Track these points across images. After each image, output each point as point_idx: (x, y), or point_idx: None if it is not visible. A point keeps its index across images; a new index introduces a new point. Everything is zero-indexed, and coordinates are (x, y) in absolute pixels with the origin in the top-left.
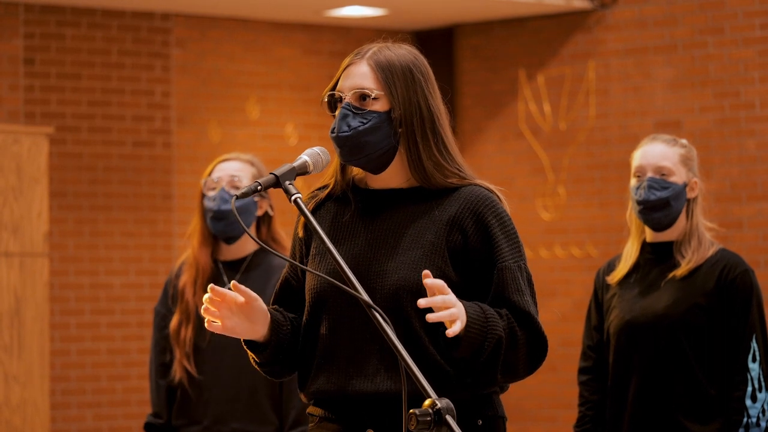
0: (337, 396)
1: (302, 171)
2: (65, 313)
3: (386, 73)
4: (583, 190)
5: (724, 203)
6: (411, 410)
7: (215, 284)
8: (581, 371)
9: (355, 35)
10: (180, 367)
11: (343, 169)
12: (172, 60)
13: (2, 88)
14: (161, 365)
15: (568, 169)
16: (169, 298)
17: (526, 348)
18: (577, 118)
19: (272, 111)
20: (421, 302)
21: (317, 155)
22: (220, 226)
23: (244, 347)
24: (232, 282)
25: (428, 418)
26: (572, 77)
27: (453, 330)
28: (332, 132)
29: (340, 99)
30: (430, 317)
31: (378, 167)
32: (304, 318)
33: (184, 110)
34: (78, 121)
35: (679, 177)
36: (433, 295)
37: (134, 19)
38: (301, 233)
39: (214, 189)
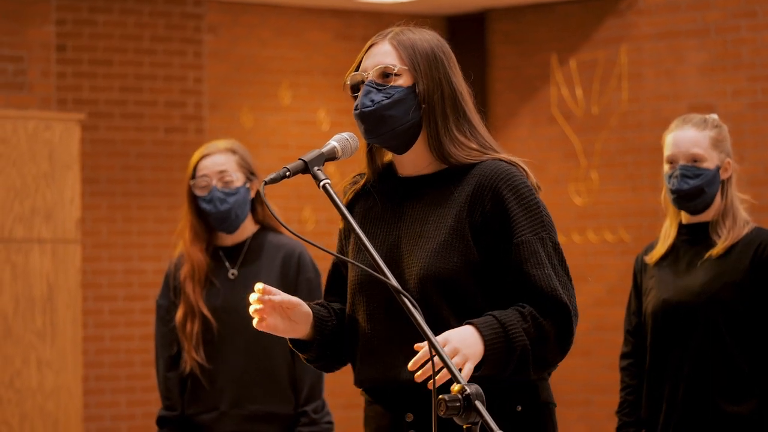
0: (381, 384)
1: (331, 156)
2: (98, 299)
3: (408, 50)
4: (615, 175)
5: (758, 187)
6: (440, 396)
7: (218, 272)
8: (622, 356)
9: (387, 20)
10: (189, 358)
11: (371, 156)
12: (205, 46)
13: (34, 75)
14: (169, 358)
15: (601, 153)
16: (171, 290)
17: (555, 337)
18: (609, 103)
19: (304, 97)
20: (410, 366)
21: (346, 140)
22: (224, 226)
23: (290, 346)
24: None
25: (457, 404)
26: (604, 61)
27: (465, 372)
28: (355, 109)
29: (362, 81)
30: (429, 385)
31: (401, 145)
32: (347, 309)
33: (216, 96)
34: (110, 107)
35: (711, 162)
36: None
37: (166, 5)
38: (343, 224)
39: (204, 188)
